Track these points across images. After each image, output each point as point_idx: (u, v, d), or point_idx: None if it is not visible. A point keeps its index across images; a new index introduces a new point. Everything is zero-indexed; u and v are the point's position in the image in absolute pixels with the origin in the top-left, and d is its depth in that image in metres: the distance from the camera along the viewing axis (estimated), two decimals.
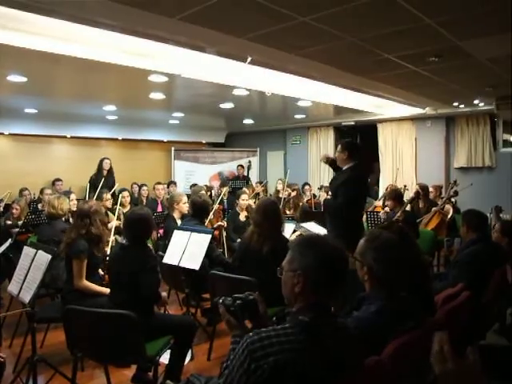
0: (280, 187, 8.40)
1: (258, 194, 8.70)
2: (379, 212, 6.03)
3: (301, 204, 7.78)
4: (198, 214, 4.99)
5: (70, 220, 5.66)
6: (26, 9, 3.42)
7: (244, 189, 8.25)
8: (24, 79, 5.88)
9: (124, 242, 3.52)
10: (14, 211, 6.59)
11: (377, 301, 2.07)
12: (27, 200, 8.13)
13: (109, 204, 7.07)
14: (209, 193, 8.67)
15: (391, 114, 9.20)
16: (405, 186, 7.73)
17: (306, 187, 9.00)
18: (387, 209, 5.74)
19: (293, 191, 7.90)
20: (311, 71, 5.45)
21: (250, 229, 3.99)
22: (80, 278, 3.79)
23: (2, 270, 5.24)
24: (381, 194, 8.83)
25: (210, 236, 4.27)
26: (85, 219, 3.94)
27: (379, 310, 2.04)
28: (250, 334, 1.67)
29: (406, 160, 9.62)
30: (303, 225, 5.44)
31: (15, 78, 5.83)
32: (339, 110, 9.05)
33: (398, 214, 5.34)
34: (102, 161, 9.52)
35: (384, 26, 3.89)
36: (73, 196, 6.25)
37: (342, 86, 6.41)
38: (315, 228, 5.27)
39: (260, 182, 9.60)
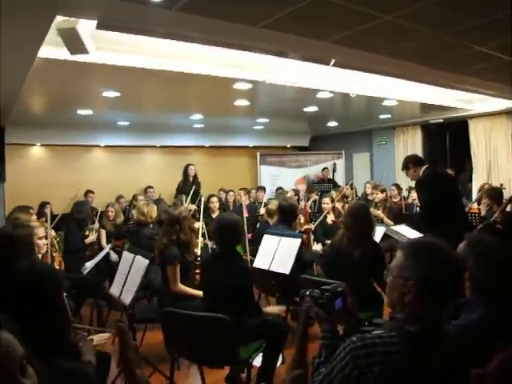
0: (369, 190, 8.27)
1: (345, 196, 8.61)
2: (476, 213, 5.77)
3: (388, 205, 7.62)
4: (285, 218, 5.04)
5: (151, 226, 5.92)
6: (121, 30, 3.65)
7: (332, 192, 8.22)
8: (117, 94, 6.23)
9: (214, 247, 3.64)
10: (110, 213, 7.02)
11: (479, 308, 1.99)
12: (122, 207, 8.65)
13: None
14: (296, 197, 8.70)
15: (483, 108, 8.74)
16: (501, 185, 7.33)
17: (395, 188, 8.76)
18: (483, 209, 5.48)
19: (381, 192, 7.74)
20: (397, 70, 5.33)
21: (340, 232, 3.97)
22: (175, 283, 3.95)
23: (103, 273, 5.60)
24: (474, 192, 8.43)
25: (299, 240, 4.29)
26: (175, 225, 4.11)
27: (482, 317, 1.95)
28: (354, 338, 1.61)
29: (501, 157, 9.10)
30: (395, 228, 5.31)
31: (110, 94, 6.21)
32: (426, 108, 8.75)
33: (496, 215, 5.07)
34: (186, 167, 9.81)
35: (476, 17, 3.71)
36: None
37: (429, 83, 6.20)
38: (408, 231, 5.12)
39: (349, 185, 9.48)
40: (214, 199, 7.64)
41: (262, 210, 7.29)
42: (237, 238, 3.56)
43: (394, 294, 1.73)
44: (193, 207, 7.85)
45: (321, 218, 6.64)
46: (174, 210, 4.37)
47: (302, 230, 6.08)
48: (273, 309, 3.92)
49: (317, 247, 5.42)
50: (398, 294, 1.70)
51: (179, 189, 9.41)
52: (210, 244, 5.81)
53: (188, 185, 9.17)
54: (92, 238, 6.30)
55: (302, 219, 6.90)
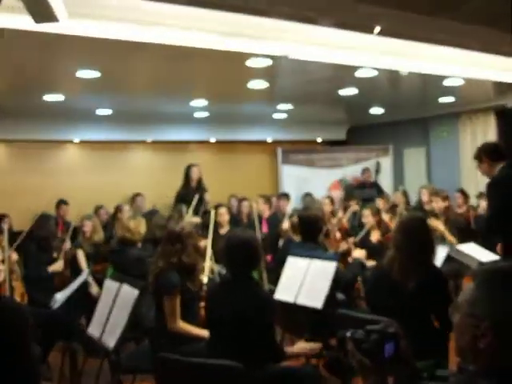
0: (426, 198, 8.19)
1: (395, 205, 8.56)
2: None
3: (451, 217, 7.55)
4: (307, 233, 5.09)
5: (139, 245, 5.96)
6: None
7: (376, 201, 8.18)
8: (97, 74, 6.27)
9: (224, 272, 3.66)
10: (86, 229, 7.05)
11: None
12: (103, 221, 8.72)
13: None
14: (331, 206, 8.68)
15: None
16: None
17: (460, 195, 8.64)
18: None
19: (443, 200, 7.65)
20: (463, 38, 5.30)
21: (389, 254, 3.94)
22: (174, 319, 3.95)
23: (79, 307, 5.63)
24: None
25: (335, 264, 4.27)
26: (176, 244, 4.15)
27: None
28: None
29: None
30: (461, 248, 5.26)
31: (86, 74, 6.24)
32: (502, 88, 8.68)
33: None
34: (188, 169, 9.66)
35: None
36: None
37: (507, 54, 6.16)
38: (478, 252, 5.07)
39: (400, 191, 9.41)
40: (222, 210, 7.64)
41: (286, 224, 7.29)
42: (251, 261, 3.57)
43: (464, 338, 1.70)
44: (196, 220, 7.88)
45: (361, 234, 6.60)
46: (175, 224, 4.40)
47: (341, 250, 6.08)
48: (302, 347, 3.89)
49: (358, 253, 5.38)
50: (470, 338, 1.67)
51: (179, 197, 9.39)
52: (217, 269, 5.82)
53: (190, 192, 9.18)
54: (58, 265, 6.29)
55: (337, 235, 6.89)
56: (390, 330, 1.88)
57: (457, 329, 1.75)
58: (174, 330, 3.95)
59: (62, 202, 8.96)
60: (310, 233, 5.08)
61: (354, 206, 8.89)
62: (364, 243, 6.62)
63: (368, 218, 6.88)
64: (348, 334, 1.87)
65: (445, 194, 7.99)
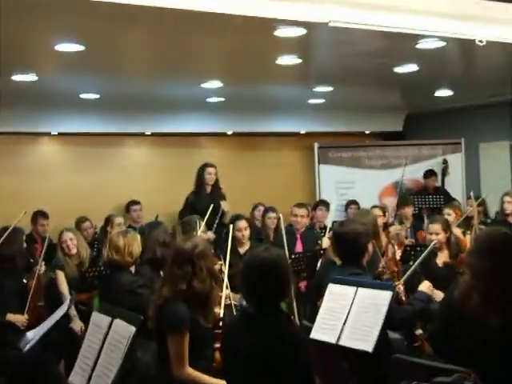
0: (510, 208, 8.11)
1: (469, 218, 8.49)
2: None
3: None
4: (347, 256, 5.11)
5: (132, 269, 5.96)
6: None
7: (446, 209, 8.13)
8: (80, 48, 6.29)
9: (244, 304, 3.66)
10: (66, 246, 7.10)
11: None
12: (87, 236, 8.80)
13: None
14: (383, 218, 8.60)
15: None
16: None
17: None
18: None
19: None
20: None
21: (464, 282, 3.91)
22: (181, 364, 3.98)
23: (57, 348, 5.67)
24: None
25: (390, 294, 4.25)
26: (185, 267, 4.19)
27: None
28: None
29: None
30: None
31: (67, 47, 6.26)
32: None
33: None
34: (202, 170, 9.81)
35: None
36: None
37: None
38: None
39: (475, 198, 9.29)
40: (242, 224, 7.69)
41: (325, 242, 7.28)
42: (277, 289, 3.59)
43: None
44: (209, 236, 7.89)
45: (424, 254, 6.50)
46: (184, 240, 4.43)
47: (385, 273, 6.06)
48: None
49: (422, 285, 5.33)
50: None
51: (188, 206, 9.44)
52: (237, 300, 5.87)
53: (203, 199, 9.22)
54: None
55: (391, 256, 6.82)
56: (465, 383, 1.88)
57: None
58: (180, 378, 3.96)
59: (39, 214, 8.99)
60: (350, 254, 5.05)
61: (407, 213, 8.88)
62: (427, 267, 6.56)
63: (438, 234, 6.76)
64: None
65: None
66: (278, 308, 3.63)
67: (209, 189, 9.64)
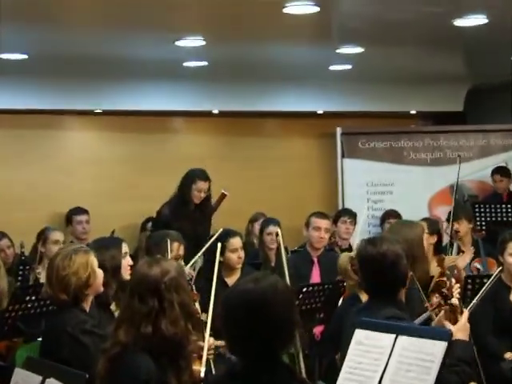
0: None
1: None
2: None
3: None
4: (377, 288, 5.04)
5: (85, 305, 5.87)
6: None
7: None
8: None
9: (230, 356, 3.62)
10: None
11: None
12: (8, 259, 8.77)
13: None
14: (433, 237, 8.53)
15: None
16: None
17: None
18: None
19: None
20: None
21: None
22: None
23: None
24: None
25: (445, 345, 4.17)
26: (150, 300, 4.14)
27: None
28: None
29: None
30: None
31: None
32: None
33: None
34: (189, 181, 9.50)
35: None
36: (125, 247, 6.50)
37: None
38: None
39: None
40: (236, 243, 7.60)
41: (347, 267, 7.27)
42: (274, 336, 3.47)
43: None
44: (188, 270, 7.81)
45: (486, 285, 6.47)
46: (150, 265, 4.34)
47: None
48: None
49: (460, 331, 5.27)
50: None
51: (160, 224, 9.27)
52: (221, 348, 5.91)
53: (184, 220, 9.08)
54: None
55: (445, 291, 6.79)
56: None
57: None
58: None
59: None
60: (384, 286, 4.97)
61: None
62: (500, 309, 6.59)
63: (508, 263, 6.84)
64: None
65: None
66: (278, 361, 3.53)
67: (195, 203, 9.45)
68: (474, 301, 6.05)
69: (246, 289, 3.50)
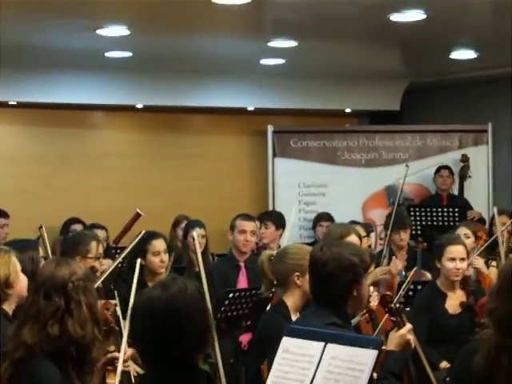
0: None
1: (494, 242, 8.54)
2: None
3: None
4: (325, 294, 4.94)
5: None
6: None
7: (462, 229, 8.20)
8: None
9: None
10: None
11: None
12: None
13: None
14: (366, 240, 8.63)
15: None
16: None
17: None
18: None
19: None
20: None
21: (487, 339, 3.88)
22: None
23: None
24: None
25: (375, 354, 4.20)
26: (56, 298, 4.14)
27: None
28: None
29: None
30: None
31: None
32: None
33: None
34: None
35: None
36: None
37: None
38: None
39: (507, 214, 9.39)
40: (159, 245, 7.58)
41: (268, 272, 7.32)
42: (188, 343, 3.47)
43: None
44: (101, 265, 7.76)
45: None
46: (59, 265, 4.37)
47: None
48: None
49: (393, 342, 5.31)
50: None
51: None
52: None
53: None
54: None
55: (376, 298, 6.86)
56: None
57: None
58: None
59: None
60: (329, 293, 4.99)
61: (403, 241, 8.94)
62: (434, 316, 6.69)
63: (463, 260, 6.96)
64: None
65: None
66: (194, 369, 3.52)
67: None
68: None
69: (152, 295, 3.52)
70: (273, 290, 6.96)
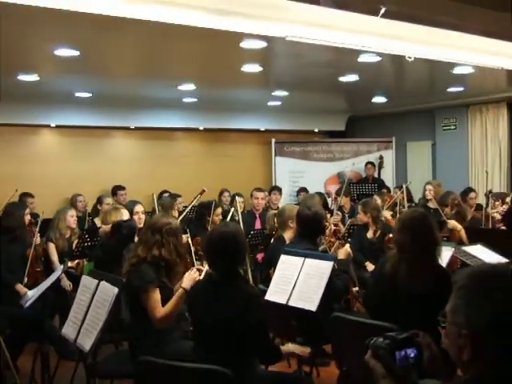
0: (430, 195, 8.19)
1: (396, 204, 8.56)
2: None
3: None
4: (307, 233, 5.09)
5: None
6: None
7: (375, 197, 8.48)
8: (75, 53, 6.22)
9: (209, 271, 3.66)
10: (71, 221, 6.92)
11: None
12: (82, 208, 8.91)
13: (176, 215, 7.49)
14: (328, 203, 8.78)
15: None
16: None
17: (472, 195, 8.55)
18: None
19: (455, 205, 7.57)
20: (474, 22, 5.30)
21: (392, 255, 3.95)
22: (157, 310, 3.92)
23: (52, 306, 5.59)
24: None
25: (331, 263, 4.28)
26: (156, 235, 4.18)
27: None
28: None
29: None
30: (466, 249, 5.28)
31: (64, 52, 6.18)
32: None
33: None
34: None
35: None
36: (138, 208, 6.46)
37: None
38: (484, 254, 5.09)
39: (399, 187, 9.48)
40: (218, 211, 7.52)
41: (272, 220, 7.33)
42: (233, 257, 3.53)
43: (452, 348, 1.70)
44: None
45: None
46: (161, 217, 4.52)
47: (334, 249, 6.09)
48: (291, 348, 3.88)
49: (342, 253, 5.35)
50: (455, 348, 1.67)
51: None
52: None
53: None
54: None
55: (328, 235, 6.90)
56: (403, 335, 1.88)
57: (445, 336, 1.75)
58: (160, 321, 3.91)
59: (26, 195, 8.73)
60: (310, 233, 5.07)
61: (343, 200, 9.04)
62: (360, 240, 6.91)
63: (359, 215, 7.16)
64: (371, 341, 1.90)
65: (454, 196, 7.82)
66: (237, 273, 3.62)
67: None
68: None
69: (221, 230, 3.59)
70: (273, 232, 7.03)
